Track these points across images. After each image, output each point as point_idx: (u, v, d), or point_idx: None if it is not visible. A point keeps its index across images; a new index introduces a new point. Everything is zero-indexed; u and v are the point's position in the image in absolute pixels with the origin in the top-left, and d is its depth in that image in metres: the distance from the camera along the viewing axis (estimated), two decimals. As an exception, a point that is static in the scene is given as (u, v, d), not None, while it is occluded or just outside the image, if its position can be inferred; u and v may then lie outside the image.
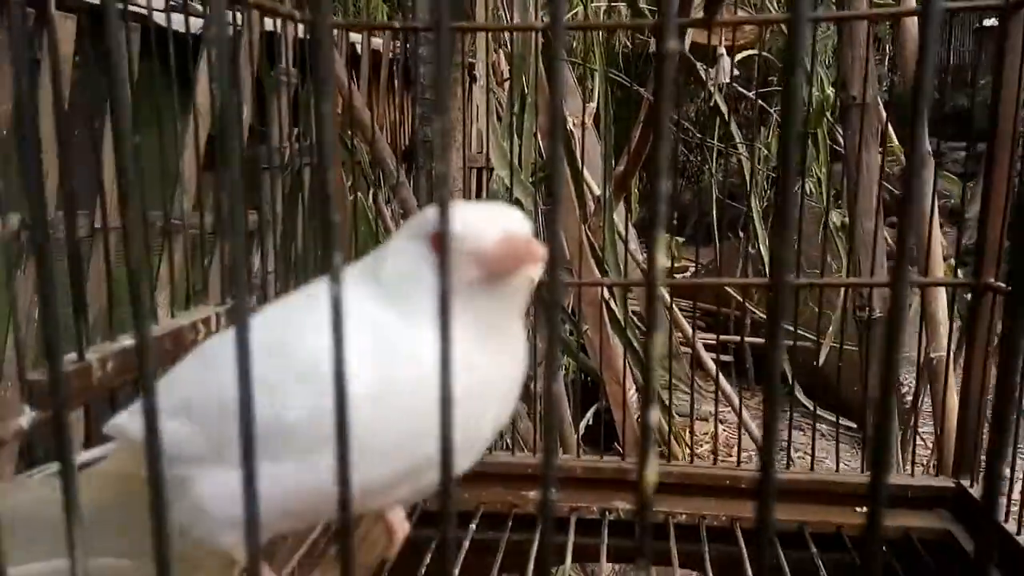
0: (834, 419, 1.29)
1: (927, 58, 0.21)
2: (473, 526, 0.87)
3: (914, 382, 1.78)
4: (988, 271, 0.84)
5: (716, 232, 2.89)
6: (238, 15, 0.97)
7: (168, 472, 0.42)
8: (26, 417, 0.48)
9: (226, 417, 0.40)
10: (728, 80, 1.94)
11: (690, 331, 2.04)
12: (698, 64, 2.11)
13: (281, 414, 0.39)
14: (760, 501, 0.22)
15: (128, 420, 0.49)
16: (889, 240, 2.34)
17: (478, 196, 2.28)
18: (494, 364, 0.44)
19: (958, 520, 0.87)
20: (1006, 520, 0.80)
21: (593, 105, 2.28)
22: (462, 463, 0.46)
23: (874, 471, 0.24)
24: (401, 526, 0.58)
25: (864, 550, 0.24)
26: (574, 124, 1.96)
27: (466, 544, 0.83)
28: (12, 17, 0.52)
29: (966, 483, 0.88)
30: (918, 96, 0.22)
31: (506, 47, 1.52)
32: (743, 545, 0.83)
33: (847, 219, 1.83)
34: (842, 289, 2.04)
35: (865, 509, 0.74)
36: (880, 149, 2.47)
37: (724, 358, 2.94)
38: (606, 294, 1.77)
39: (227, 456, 0.41)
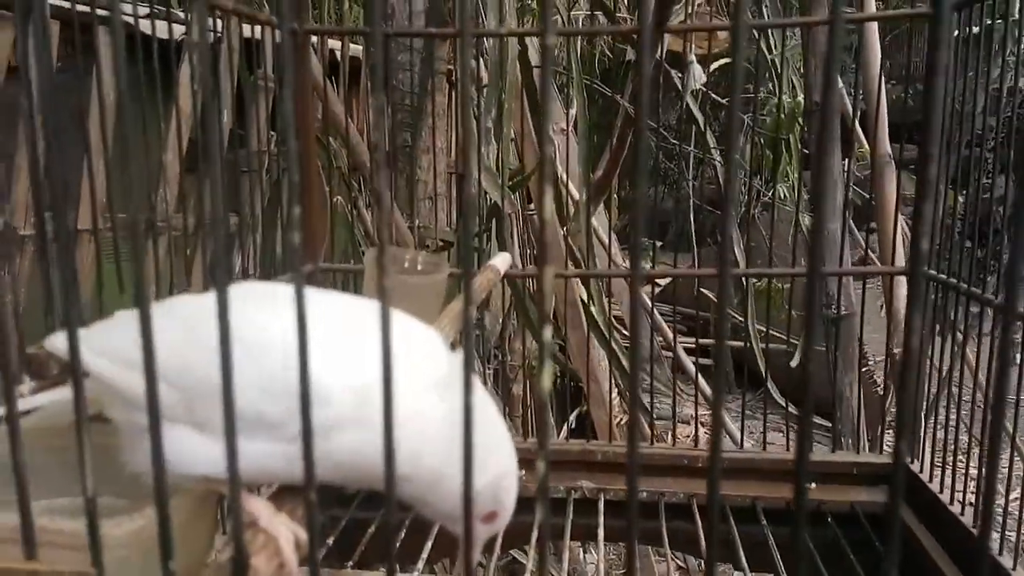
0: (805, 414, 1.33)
1: (831, 61, 0.26)
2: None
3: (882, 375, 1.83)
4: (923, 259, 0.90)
5: (694, 238, 2.94)
6: (218, 22, 1.01)
7: (130, 417, 0.46)
8: (27, 386, 0.53)
9: (208, 397, 0.43)
10: (698, 86, 2.00)
11: (671, 335, 2.08)
12: (672, 71, 2.17)
13: (264, 412, 0.43)
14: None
15: (87, 354, 0.46)
16: (862, 242, 2.41)
17: (458, 201, 2.32)
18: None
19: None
20: (947, 496, 0.85)
21: (573, 112, 2.33)
22: None
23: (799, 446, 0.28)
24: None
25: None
26: (554, 131, 2.01)
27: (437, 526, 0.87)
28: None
29: (907, 459, 0.93)
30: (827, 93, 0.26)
31: (484, 55, 1.56)
32: (699, 520, 0.87)
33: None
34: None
35: (813, 486, 0.80)
36: (851, 154, 2.52)
37: (703, 361, 2.99)
38: (585, 296, 1.82)
39: (197, 421, 0.44)
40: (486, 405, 0.49)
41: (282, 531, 0.42)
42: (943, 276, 0.87)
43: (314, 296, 0.38)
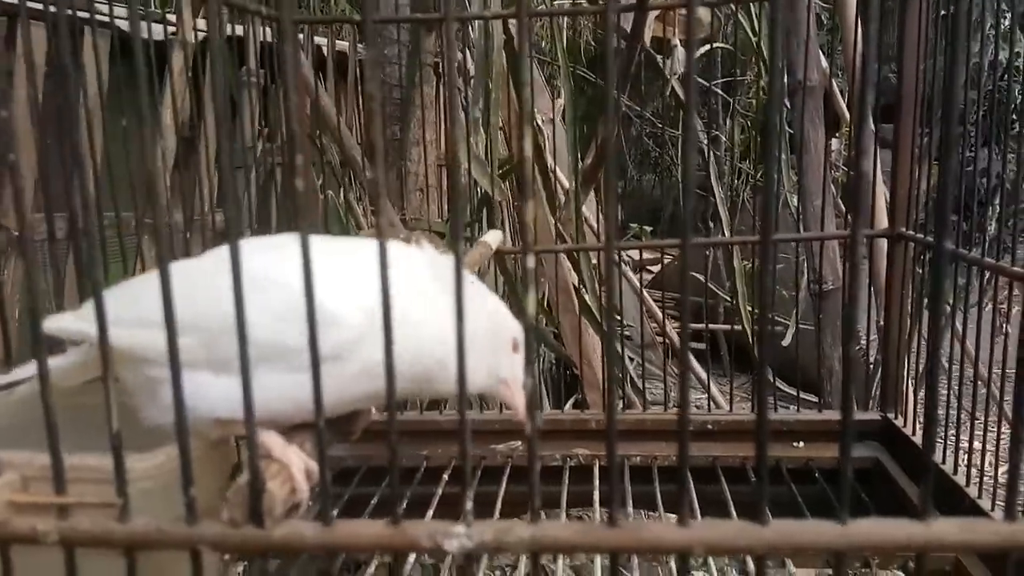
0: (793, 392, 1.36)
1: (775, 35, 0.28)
2: (445, 477, 0.95)
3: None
4: (900, 221, 0.93)
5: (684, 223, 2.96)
6: (201, 21, 1.03)
7: (147, 373, 0.48)
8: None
9: (226, 334, 0.45)
10: (682, 70, 2.03)
11: (660, 315, 2.11)
12: (658, 56, 2.19)
13: (279, 340, 0.47)
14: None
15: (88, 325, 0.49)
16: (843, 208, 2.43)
17: (448, 192, 2.35)
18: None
19: (885, 448, 0.95)
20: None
21: (562, 101, 2.35)
22: None
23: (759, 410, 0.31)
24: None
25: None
26: (543, 120, 2.03)
27: (438, 493, 0.90)
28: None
29: (891, 416, 0.97)
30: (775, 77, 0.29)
31: (471, 46, 1.58)
32: (691, 482, 0.90)
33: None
34: (797, 268, 2.11)
35: (801, 444, 0.82)
36: (838, 133, 2.54)
37: (696, 345, 3.02)
38: (577, 282, 1.84)
39: (217, 361, 0.47)
40: (477, 285, 0.57)
41: (294, 459, 0.46)
42: (920, 236, 0.90)
43: (315, 238, 0.41)
